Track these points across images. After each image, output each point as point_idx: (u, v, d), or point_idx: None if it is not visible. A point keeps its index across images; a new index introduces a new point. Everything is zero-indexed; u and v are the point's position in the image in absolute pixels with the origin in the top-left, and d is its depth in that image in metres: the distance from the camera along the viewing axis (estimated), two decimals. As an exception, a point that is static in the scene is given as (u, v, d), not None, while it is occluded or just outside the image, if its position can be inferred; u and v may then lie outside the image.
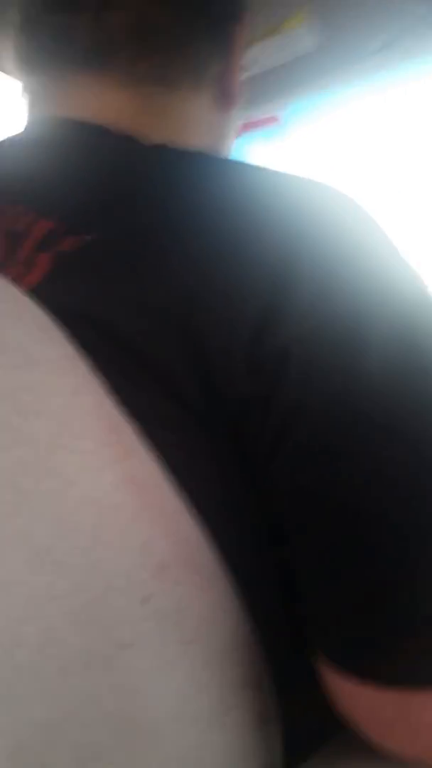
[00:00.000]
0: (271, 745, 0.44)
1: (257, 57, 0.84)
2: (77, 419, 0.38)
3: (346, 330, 0.37)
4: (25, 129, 0.52)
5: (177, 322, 0.38)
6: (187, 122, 0.53)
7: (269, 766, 0.44)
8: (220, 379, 0.38)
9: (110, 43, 0.49)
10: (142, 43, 0.49)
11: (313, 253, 0.39)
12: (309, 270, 0.38)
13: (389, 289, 0.39)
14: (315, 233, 0.39)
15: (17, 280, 0.43)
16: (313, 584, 0.40)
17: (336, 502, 0.38)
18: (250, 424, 0.39)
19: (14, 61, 0.53)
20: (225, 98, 0.55)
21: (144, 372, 0.39)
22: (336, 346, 0.37)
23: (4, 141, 0.52)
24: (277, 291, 0.38)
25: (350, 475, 0.37)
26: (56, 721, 0.35)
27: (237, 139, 0.64)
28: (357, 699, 0.40)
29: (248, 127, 1.11)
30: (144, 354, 0.39)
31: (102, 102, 0.50)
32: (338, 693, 0.40)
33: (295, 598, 0.41)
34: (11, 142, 0.52)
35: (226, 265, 0.39)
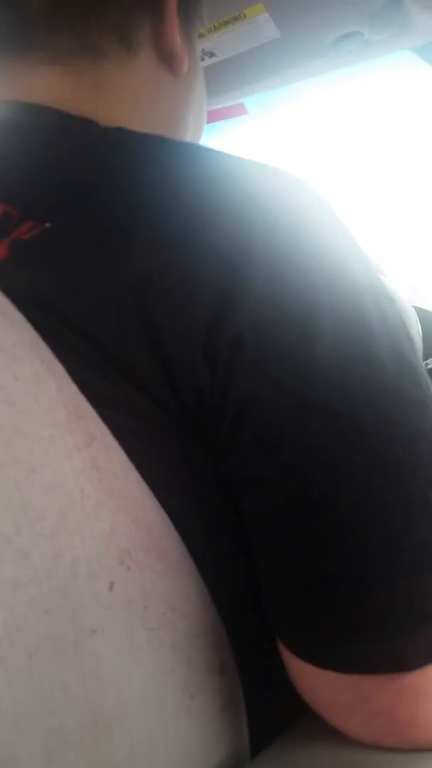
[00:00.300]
0: (237, 729, 0.44)
1: (217, 46, 0.84)
2: (40, 406, 0.38)
3: (299, 318, 0.38)
4: None
5: (134, 309, 0.38)
6: (129, 92, 0.50)
7: (236, 749, 0.44)
8: (178, 367, 0.38)
9: (28, 18, 0.47)
10: (58, 12, 0.47)
11: (267, 240, 0.39)
12: (263, 257, 0.38)
13: (341, 277, 0.39)
14: (269, 220, 0.39)
15: None
16: (270, 573, 0.40)
17: (289, 491, 0.38)
18: (209, 413, 0.39)
19: None
20: (168, 60, 0.52)
21: (105, 359, 0.39)
22: (289, 334, 0.38)
23: None
24: (233, 278, 0.38)
25: (302, 464, 0.38)
26: (24, 709, 0.35)
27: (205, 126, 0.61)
28: (317, 684, 0.40)
29: (216, 115, 1.11)
30: (104, 342, 0.39)
31: (35, 83, 0.48)
32: (300, 678, 0.41)
33: (258, 586, 0.41)
34: None
35: (184, 250, 0.38)
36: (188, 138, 0.57)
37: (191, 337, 0.38)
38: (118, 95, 0.50)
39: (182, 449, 0.41)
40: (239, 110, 1.06)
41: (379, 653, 0.38)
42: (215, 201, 0.40)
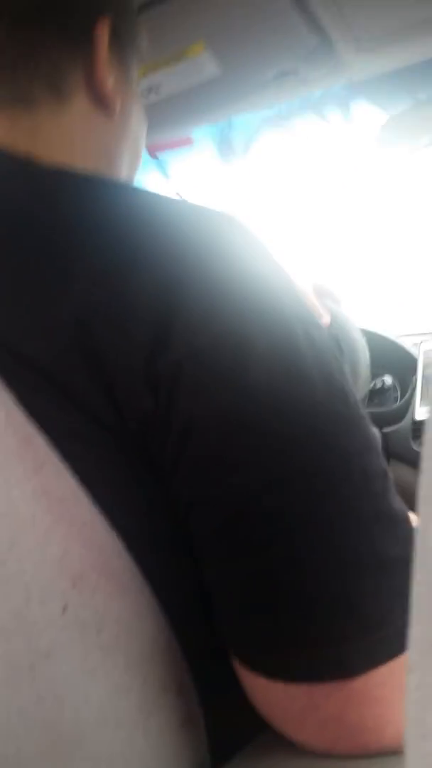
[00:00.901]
0: (197, 745, 0.45)
1: (161, 83, 0.86)
2: (-11, 436, 0.39)
3: (233, 345, 0.40)
4: None
5: (79, 337, 0.40)
6: (64, 135, 0.52)
7: (196, 765, 0.45)
8: (121, 394, 0.40)
9: None
10: None
11: (199, 272, 0.41)
12: (196, 288, 0.40)
13: (271, 307, 0.41)
14: (201, 254, 0.42)
15: None
16: (219, 589, 0.42)
17: (231, 509, 0.40)
18: (153, 438, 0.41)
19: None
20: (101, 103, 0.53)
21: (53, 387, 0.40)
22: (224, 360, 0.39)
23: None
24: (169, 308, 0.40)
25: (243, 483, 0.39)
26: (-21, 735, 0.35)
27: (154, 159, 0.63)
28: (269, 695, 0.41)
29: (163, 147, 1.13)
30: (51, 370, 0.40)
31: None
32: (253, 690, 0.42)
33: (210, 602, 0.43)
34: None
35: (124, 281, 0.40)
36: (124, 171, 0.59)
37: (132, 364, 0.39)
38: (52, 138, 0.51)
39: (131, 472, 0.42)
40: (185, 142, 1.09)
41: (324, 661, 0.39)
42: (150, 237, 0.42)
